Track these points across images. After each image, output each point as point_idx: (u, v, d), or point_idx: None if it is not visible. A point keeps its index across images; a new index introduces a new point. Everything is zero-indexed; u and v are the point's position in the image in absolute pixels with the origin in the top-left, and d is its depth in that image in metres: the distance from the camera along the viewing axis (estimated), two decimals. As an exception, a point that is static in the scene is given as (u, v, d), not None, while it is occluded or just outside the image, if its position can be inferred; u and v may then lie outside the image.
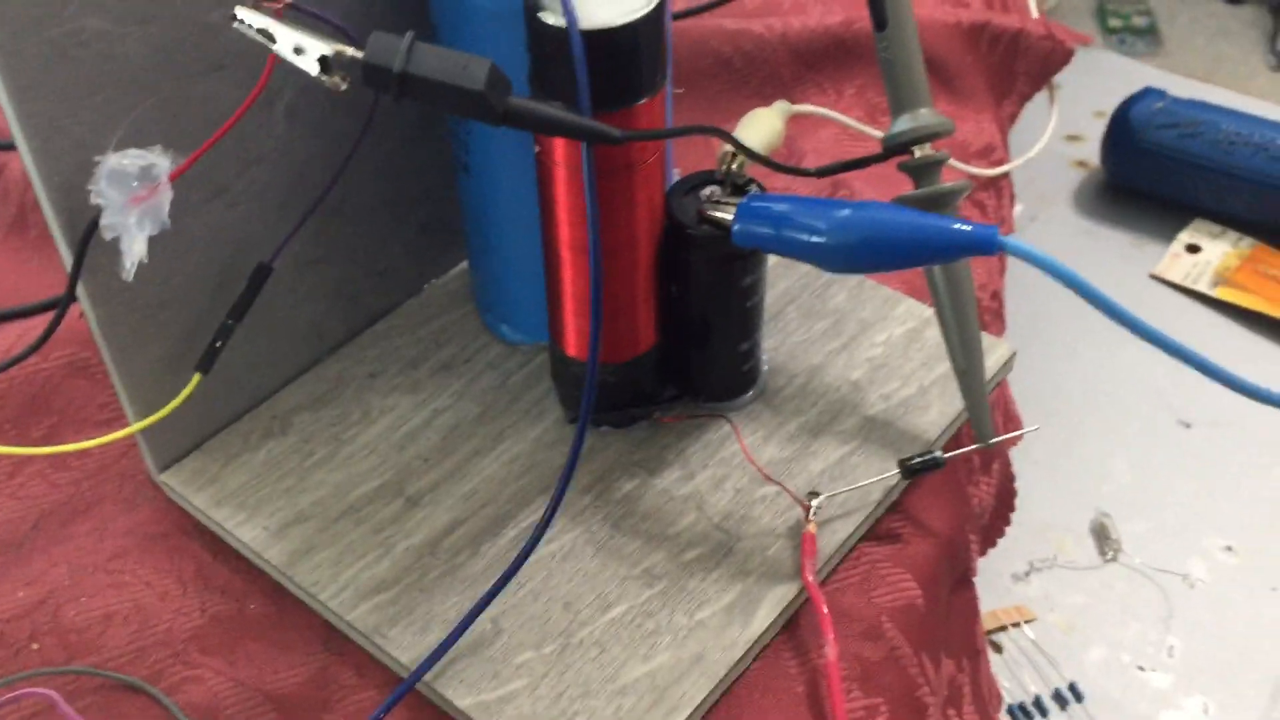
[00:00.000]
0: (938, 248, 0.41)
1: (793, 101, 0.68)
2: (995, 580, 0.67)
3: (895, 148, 0.46)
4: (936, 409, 0.51)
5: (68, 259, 0.42)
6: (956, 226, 0.40)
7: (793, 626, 0.45)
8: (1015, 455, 0.66)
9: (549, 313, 0.48)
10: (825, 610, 0.43)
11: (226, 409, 0.50)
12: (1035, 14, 0.78)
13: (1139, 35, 1.56)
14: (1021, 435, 0.51)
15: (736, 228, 0.44)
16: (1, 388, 0.52)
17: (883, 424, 0.50)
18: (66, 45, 0.38)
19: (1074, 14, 1.59)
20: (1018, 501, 0.64)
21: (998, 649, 0.65)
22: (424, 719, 0.42)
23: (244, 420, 0.51)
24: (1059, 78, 0.84)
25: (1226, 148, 0.86)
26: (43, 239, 0.60)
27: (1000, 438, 0.48)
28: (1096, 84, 1.00)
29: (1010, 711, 0.61)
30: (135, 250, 0.38)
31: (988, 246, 0.40)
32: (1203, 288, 0.85)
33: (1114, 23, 1.57)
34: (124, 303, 0.44)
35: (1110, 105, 0.90)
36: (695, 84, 0.68)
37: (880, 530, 0.48)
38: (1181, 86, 0.96)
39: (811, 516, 0.46)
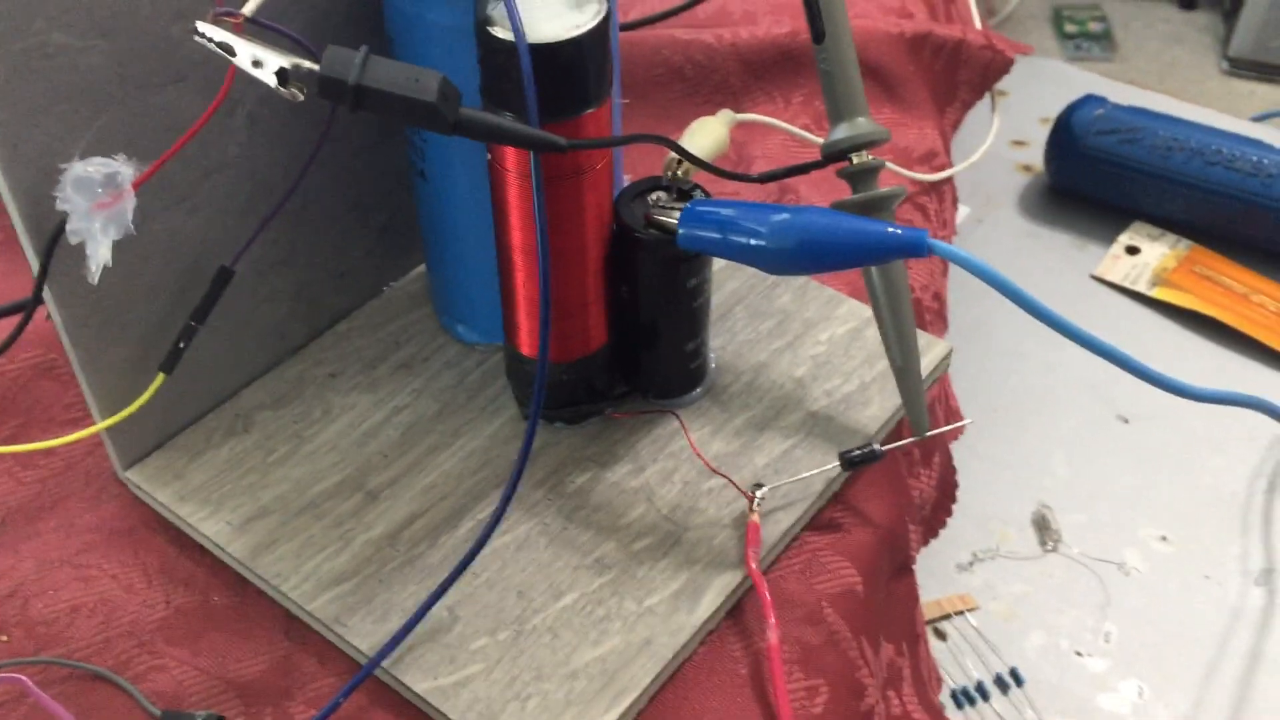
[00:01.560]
0: (871, 249, 0.43)
1: (742, 109, 0.70)
2: (940, 570, 0.70)
3: (834, 155, 0.48)
4: (876, 404, 0.53)
5: (34, 263, 0.43)
6: (889, 230, 0.43)
7: (738, 612, 0.47)
8: (960, 450, 0.69)
9: (503, 314, 0.50)
10: (767, 596, 0.45)
11: (190, 408, 0.52)
12: (978, 24, 0.81)
13: (1094, 41, 1.59)
14: (955, 428, 0.53)
15: (681, 231, 0.46)
16: (-32, 389, 0.53)
17: (825, 419, 0.52)
18: (32, 58, 0.40)
19: (1030, 20, 1.62)
20: (962, 495, 0.66)
21: (942, 636, 0.67)
22: (383, 704, 0.44)
23: (208, 419, 0.52)
24: (1007, 85, 0.87)
25: (1164, 153, 0.89)
26: (3, 243, 0.61)
27: (935, 431, 0.51)
28: (1043, 91, 1.03)
29: (953, 696, 0.64)
30: (100, 254, 0.40)
31: (917, 248, 0.42)
32: (1141, 288, 0.87)
33: (1070, 29, 1.61)
34: (89, 305, 0.45)
35: (1055, 112, 0.93)
36: (648, 93, 0.70)
37: (822, 520, 0.50)
38: (1130, 94, 0.99)
39: (755, 507, 0.48)
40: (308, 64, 0.38)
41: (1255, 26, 1.48)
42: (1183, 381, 0.45)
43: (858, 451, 0.50)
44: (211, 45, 0.39)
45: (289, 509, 0.49)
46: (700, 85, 0.70)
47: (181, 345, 0.48)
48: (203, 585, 0.48)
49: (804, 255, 0.44)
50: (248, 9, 0.39)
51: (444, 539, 0.48)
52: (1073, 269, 0.88)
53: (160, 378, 0.47)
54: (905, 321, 0.50)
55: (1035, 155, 0.96)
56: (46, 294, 0.44)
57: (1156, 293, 0.85)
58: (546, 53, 0.40)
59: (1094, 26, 1.63)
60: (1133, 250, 0.89)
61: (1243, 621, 0.68)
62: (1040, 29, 1.60)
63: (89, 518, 0.50)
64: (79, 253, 0.41)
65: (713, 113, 0.55)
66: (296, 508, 0.49)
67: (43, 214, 0.42)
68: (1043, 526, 0.72)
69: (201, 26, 0.39)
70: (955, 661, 0.65)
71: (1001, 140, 0.99)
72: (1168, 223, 0.90)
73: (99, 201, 0.40)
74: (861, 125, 0.48)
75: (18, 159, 0.41)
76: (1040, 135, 0.95)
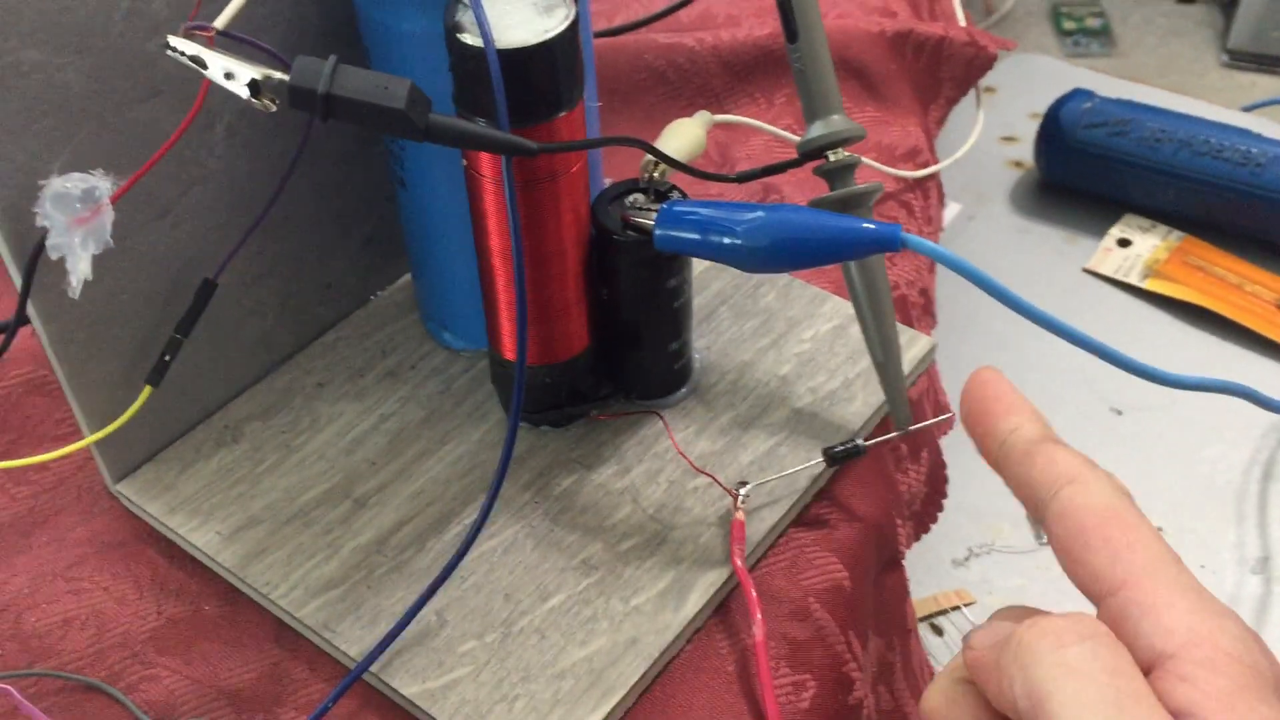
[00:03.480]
0: (846, 245, 0.43)
1: (725, 111, 0.70)
2: (936, 565, 0.70)
3: (810, 153, 0.49)
4: (860, 400, 0.53)
5: (17, 279, 0.44)
6: (863, 225, 0.43)
7: (724, 609, 0.47)
8: (953, 446, 0.68)
9: (486, 319, 0.50)
10: (753, 593, 0.46)
11: (179, 420, 0.52)
12: (962, 21, 0.81)
13: (1093, 36, 1.60)
14: (940, 422, 0.54)
15: (657, 232, 0.46)
16: (-40, 407, 0.54)
17: (809, 416, 0.53)
18: (7, 76, 0.40)
19: (1029, 17, 1.62)
20: (957, 490, 0.66)
21: (939, 631, 0.67)
22: (373, 708, 0.44)
23: (197, 430, 0.53)
24: (998, 81, 0.87)
25: (1153, 144, 0.89)
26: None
27: (916, 426, 0.51)
28: (1035, 87, 1.04)
29: (951, 691, 0.64)
30: (80, 269, 0.40)
31: (891, 243, 0.42)
32: (1134, 280, 0.88)
33: (1068, 25, 1.61)
34: (74, 320, 0.46)
35: (1046, 107, 0.93)
36: (632, 97, 0.70)
37: (808, 516, 0.51)
38: (1123, 88, 0.99)
39: (740, 505, 0.48)
40: (278, 75, 0.38)
41: (1254, 18, 1.48)
42: (1159, 369, 0.45)
43: (840, 447, 0.50)
44: (183, 59, 0.39)
45: (278, 518, 0.49)
46: (683, 88, 0.71)
47: (167, 358, 0.48)
48: (194, 595, 0.48)
49: (779, 253, 0.44)
50: (219, 22, 0.40)
51: (431, 544, 0.48)
52: (1065, 263, 0.89)
53: (147, 390, 0.48)
54: (885, 317, 0.50)
55: (1026, 151, 0.96)
56: (31, 310, 0.44)
57: (1149, 284, 0.85)
58: (515, 58, 0.41)
59: (1092, 22, 1.64)
60: (1124, 243, 0.90)
61: (1240, 610, 0.68)
62: (1039, 26, 1.61)
63: (81, 531, 0.50)
64: (61, 268, 0.41)
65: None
66: (285, 516, 0.49)
67: (24, 231, 0.42)
68: (1038, 520, 0.72)
69: (173, 41, 0.39)
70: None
71: (992, 137, 0.99)
72: (1159, 214, 0.91)
73: (78, 217, 0.40)
74: (836, 123, 0.48)
75: (-3, 177, 0.41)
76: (1031, 131, 0.95)
